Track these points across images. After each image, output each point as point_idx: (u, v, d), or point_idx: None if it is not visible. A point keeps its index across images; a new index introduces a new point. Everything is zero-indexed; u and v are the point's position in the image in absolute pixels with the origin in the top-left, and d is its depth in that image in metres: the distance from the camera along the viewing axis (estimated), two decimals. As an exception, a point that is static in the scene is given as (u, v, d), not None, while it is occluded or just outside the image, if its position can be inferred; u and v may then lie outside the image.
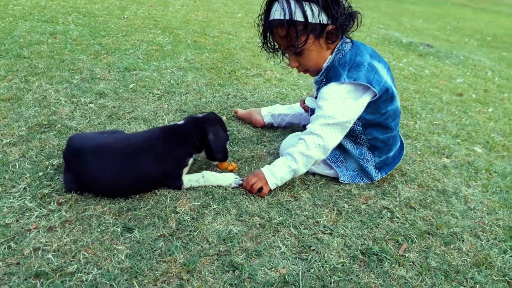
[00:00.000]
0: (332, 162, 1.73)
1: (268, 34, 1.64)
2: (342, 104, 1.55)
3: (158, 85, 2.58)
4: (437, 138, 2.35)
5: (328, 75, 1.62)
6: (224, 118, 2.26)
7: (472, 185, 1.89)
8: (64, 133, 1.86)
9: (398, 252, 1.38)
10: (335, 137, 1.58)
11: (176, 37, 3.83)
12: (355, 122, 1.64)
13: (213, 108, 2.36)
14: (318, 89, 1.70)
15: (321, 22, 1.51)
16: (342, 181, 1.73)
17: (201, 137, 1.56)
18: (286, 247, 1.34)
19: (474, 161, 2.12)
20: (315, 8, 1.48)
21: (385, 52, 4.73)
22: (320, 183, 1.73)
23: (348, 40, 1.65)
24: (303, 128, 2.18)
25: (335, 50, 1.63)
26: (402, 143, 1.89)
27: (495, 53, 5.81)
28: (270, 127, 2.21)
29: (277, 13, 1.52)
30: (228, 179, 1.62)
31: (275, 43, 1.66)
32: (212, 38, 4.01)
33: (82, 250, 1.23)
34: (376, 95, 1.57)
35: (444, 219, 1.59)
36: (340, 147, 1.73)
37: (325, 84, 1.60)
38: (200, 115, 1.64)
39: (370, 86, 1.54)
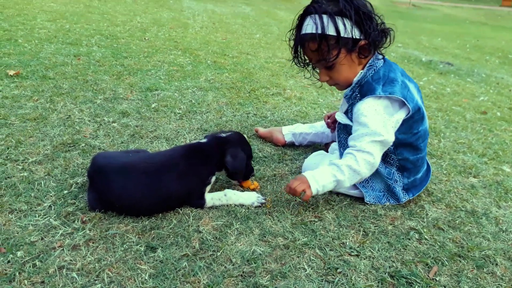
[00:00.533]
0: (359, 184, 1.69)
1: (299, 48, 1.63)
2: (381, 119, 1.53)
3: (179, 104, 2.61)
4: (463, 157, 2.29)
5: (362, 90, 1.59)
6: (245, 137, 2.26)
7: (502, 205, 1.82)
8: (88, 152, 1.88)
9: (428, 275, 1.32)
10: (380, 154, 1.56)
11: (196, 58, 3.89)
12: None
13: (234, 127, 2.37)
14: (350, 104, 1.67)
15: (353, 37, 1.51)
16: (368, 202, 1.69)
17: (221, 157, 1.56)
18: (311, 269, 1.31)
19: (503, 181, 2.05)
20: (348, 23, 1.48)
21: (405, 71, 4.70)
22: (344, 203, 1.69)
23: (380, 57, 1.64)
24: (325, 147, 2.16)
25: (367, 65, 1.61)
26: (428, 166, 1.84)
27: (517, 71, 5.71)
28: (291, 145, 2.19)
29: (309, 27, 1.52)
30: (250, 198, 1.60)
31: (306, 57, 1.66)
32: (232, 59, 4.05)
33: (106, 269, 1.22)
34: (409, 112, 1.54)
35: (475, 241, 1.53)
36: None
37: (360, 99, 1.58)
38: (224, 134, 1.63)
39: (406, 102, 1.52)
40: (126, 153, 1.66)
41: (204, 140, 1.61)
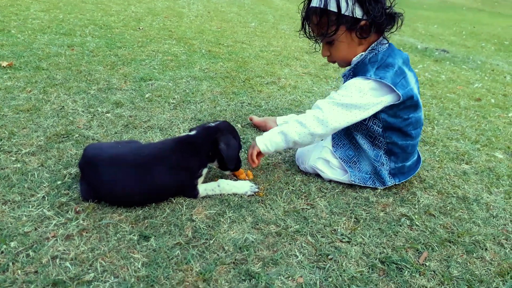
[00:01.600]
0: (345, 162, 1.72)
1: (305, 20, 1.64)
2: (358, 95, 1.53)
3: (173, 94, 2.60)
4: (456, 144, 2.31)
5: (356, 70, 1.61)
6: (238, 126, 2.26)
7: (494, 191, 1.84)
8: (81, 143, 1.88)
9: (418, 261, 1.34)
10: (337, 116, 1.53)
11: (190, 47, 3.87)
12: (375, 123, 1.62)
13: (228, 116, 2.37)
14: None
15: (354, 16, 1.50)
16: (353, 182, 1.70)
17: (213, 147, 1.55)
18: (303, 255, 1.32)
19: (495, 167, 2.07)
20: (350, 1, 1.48)
21: (400, 58, 4.69)
22: (337, 190, 1.71)
23: (385, 42, 1.62)
24: None
25: (369, 48, 1.60)
26: (419, 156, 1.86)
27: (513, 58, 5.70)
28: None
29: (315, 1, 1.54)
30: (243, 187, 1.61)
31: (311, 30, 1.66)
32: (226, 48, 4.03)
33: (99, 258, 1.23)
34: (400, 98, 1.54)
35: (465, 226, 1.55)
36: (356, 148, 1.72)
37: (351, 78, 1.61)
38: (212, 124, 1.62)
39: (394, 88, 1.51)
40: (117, 144, 1.66)
41: (193, 132, 1.59)
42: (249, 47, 4.18)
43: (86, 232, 1.34)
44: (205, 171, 1.57)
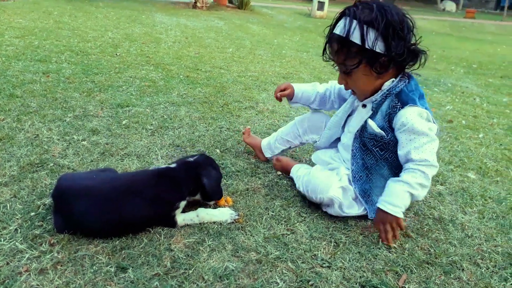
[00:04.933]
0: (361, 196, 1.69)
1: (327, 45, 1.62)
2: (431, 126, 1.54)
3: (151, 120, 2.59)
4: (430, 165, 2.36)
5: (401, 99, 1.56)
6: (217, 151, 2.26)
7: (468, 211, 1.88)
8: (56, 172, 1.84)
9: (398, 284, 1.35)
10: (434, 151, 1.56)
11: (168, 73, 3.89)
12: None
13: (207, 142, 2.37)
14: (376, 111, 1.63)
15: (375, 50, 1.47)
16: (371, 218, 1.69)
17: (195, 182, 1.55)
18: (284, 282, 1.31)
19: (468, 188, 2.12)
20: (373, 34, 1.45)
21: (375, 81, 4.82)
22: (316, 214, 1.72)
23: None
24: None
25: (399, 76, 1.58)
26: None
27: (481, 80, 5.94)
28: (261, 156, 2.21)
29: (339, 28, 1.52)
30: (223, 215, 1.60)
31: (331, 56, 1.65)
32: (204, 73, 4.07)
33: (74, 293, 1.19)
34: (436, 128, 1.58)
35: (442, 247, 1.58)
36: (370, 180, 1.70)
37: (401, 108, 1.55)
38: (191, 158, 1.63)
39: (433, 120, 1.56)
40: (91, 175, 1.63)
41: (173, 165, 1.58)
42: (227, 72, 4.23)
43: (61, 265, 1.29)
44: (183, 203, 1.55)
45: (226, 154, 2.25)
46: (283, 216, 1.68)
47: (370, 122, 1.63)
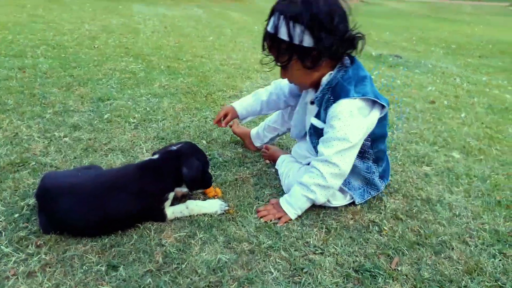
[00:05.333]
0: (344, 185, 1.68)
1: (264, 40, 1.58)
2: (355, 124, 1.49)
3: (133, 113, 2.54)
4: (416, 147, 2.39)
5: (335, 92, 1.53)
6: (203, 142, 2.24)
7: (454, 191, 1.91)
8: (39, 171, 1.79)
9: (390, 266, 1.37)
10: (350, 161, 1.54)
11: (149, 64, 3.81)
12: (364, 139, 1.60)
13: (192, 133, 2.34)
14: (321, 107, 1.61)
15: (304, 45, 1.43)
16: (359, 203, 1.70)
17: (177, 172, 1.51)
18: (278, 271, 1.31)
19: (453, 167, 2.15)
20: (300, 29, 1.41)
21: (357, 65, 4.83)
22: (306, 201, 1.71)
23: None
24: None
25: (337, 66, 1.55)
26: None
27: (460, 60, 6.02)
28: (251, 146, 2.19)
29: (270, 24, 1.49)
30: (213, 206, 1.58)
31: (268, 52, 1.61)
32: (186, 63, 4.00)
33: (65, 294, 1.17)
34: (384, 108, 1.55)
35: (431, 228, 1.60)
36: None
37: (334, 102, 1.52)
38: (174, 147, 1.57)
39: (378, 100, 1.52)
40: (76, 172, 1.59)
41: (155, 157, 1.54)
42: (208, 61, 4.17)
43: (50, 267, 1.26)
44: (171, 195, 1.53)
45: (213, 145, 2.22)
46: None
47: (313, 120, 1.66)
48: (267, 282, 1.26)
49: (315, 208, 1.67)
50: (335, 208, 1.68)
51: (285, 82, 1.90)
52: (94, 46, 4.37)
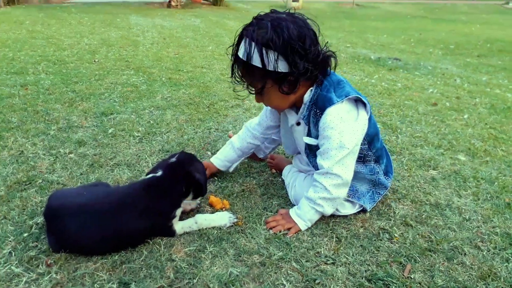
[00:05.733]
0: (351, 196, 1.67)
1: (235, 66, 1.54)
2: (348, 129, 1.48)
3: (137, 127, 2.54)
4: (421, 151, 2.38)
5: (319, 105, 1.53)
6: (208, 153, 2.23)
7: (463, 194, 1.90)
8: (46, 188, 1.79)
9: (403, 274, 1.36)
10: (351, 168, 1.54)
11: (150, 76, 3.82)
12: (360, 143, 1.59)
13: (196, 144, 2.33)
14: (310, 123, 1.60)
15: (278, 71, 1.41)
16: (369, 210, 1.69)
17: (185, 182, 1.50)
18: (290, 283, 1.30)
19: (460, 170, 2.14)
20: (273, 56, 1.38)
21: (356, 70, 4.84)
22: (314, 210, 1.71)
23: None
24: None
25: (315, 84, 1.53)
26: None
27: (460, 60, 6.02)
28: (254, 157, 2.19)
29: (241, 51, 1.45)
30: (222, 219, 1.57)
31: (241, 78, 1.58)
32: (186, 74, 4.02)
33: (78, 314, 1.16)
34: (367, 105, 1.54)
35: (442, 233, 1.59)
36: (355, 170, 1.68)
37: (321, 114, 1.51)
38: (173, 159, 1.55)
39: (361, 97, 1.51)
40: (83, 190, 1.57)
41: (159, 174, 1.50)
42: (209, 71, 4.18)
43: (61, 287, 1.26)
44: (179, 211, 1.51)
45: (218, 155, 2.22)
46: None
47: (306, 139, 1.63)
48: (280, 295, 1.25)
49: (324, 217, 1.66)
50: (345, 216, 1.67)
51: (255, 121, 1.92)
52: (94, 60, 4.38)
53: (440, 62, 5.81)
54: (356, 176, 1.61)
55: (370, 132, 1.60)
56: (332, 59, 1.52)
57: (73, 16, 8.60)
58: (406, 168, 2.15)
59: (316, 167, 1.61)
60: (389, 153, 1.84)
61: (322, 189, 1.54)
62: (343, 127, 1.48)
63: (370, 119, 1.60)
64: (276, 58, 1.39)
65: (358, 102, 1.54)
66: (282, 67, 1.41)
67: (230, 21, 9.57)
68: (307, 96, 1.54)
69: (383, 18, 13.43)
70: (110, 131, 2.45)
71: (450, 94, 3.87)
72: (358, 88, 3.83)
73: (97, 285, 1.27)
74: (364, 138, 1.58)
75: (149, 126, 2.56)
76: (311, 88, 1.54)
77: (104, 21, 8.11)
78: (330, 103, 1.49)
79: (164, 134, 2.46)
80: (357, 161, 1.59)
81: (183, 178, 1.49)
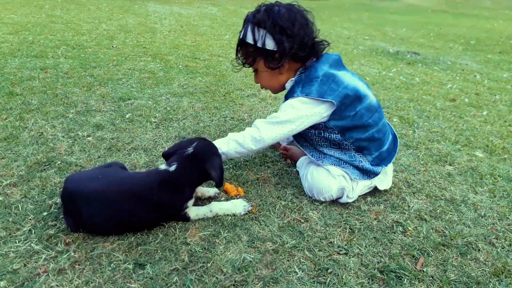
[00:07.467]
0: (338, 165, 1.71)
1: (238, 49, 1.76)
2: (293, 111, 1.62)
3: (154, 112, 2.57)
4: (438, 146, 2.36)
5: (287, 95, 1.73)
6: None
7: (479, 191, 1.88)
8: (64, 170, 1.82)
9: (416, 267, 1.36)
10: (273, 133, 1.64)
11: (167, 63, 3.84)
12: (330, 132, 1.67)
13: (212, 132, 2.35)
14: None
15: (266, 47, 1.61)
16: (354, 179, 1.69)
17: (199, 175, 1.50)
18: (302, 271, 1.32)
19: (477, 167, 2.12)
20: (261, 34, 1.60)
21: (374, 63, 4.79)
22: (328, 201, 1.71)
23: (313, 59, 1.70)
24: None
25: (298, 73, 1.71)
26: (394, 135, 1.87)
27: (480, 56, 5.91)
28: (272, 147, 2.20)
29: (241, 32, 1.69)
30: (237, 207, 1.59)
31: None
32: (203, 62, 4.02)
33: (95, 291, 1.19)
34: (334, 104, 1.60)
35: (456, 228, 1.58)
36: (334, 155, 1.73)
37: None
38: (190, 148, 1.51)
39: (321, 99, 1.59)
40: (98, 171, 1.57)
41: (173, 168, 1.47)
42: (225, 60, 4.18)
43: (79, 265, 1.29)
44: (191, 202, 1.52)
45: (233, 143, 2.23)
46: (295, 204, 1.68)
47: None
48: (292, 282, 1.27)
49: (338, 208, 1.67)
50: (358, 208, 1.67)
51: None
52: (112, 46, 4.42)
53: (459, 57, 5.71)
54: (340, 158, 1.73)
55: (340, 124, 1.66)
56: (322, 46, 1.69)
57: (92, 2, 8.66)
58: (422, 162, 2.14)
59: (306, 148, 1.78)
60: (395, 149, 1.82)
61: (240, 135, 1.67)
62: (289, 109, 1.64)
63: (342, 111, 1.63)
64: (264, 35, 1.60)
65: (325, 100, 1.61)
66: (270, 44, 1.61)
67: (247, 10, 9.51)
68: (287, 85, 1.74)
69: (403, 11, 13.21)
70: (127, 116, 2.48)
71: (469, 90, 3.81)
72: (375, 82, 3.80)
73: (114, 265, 1.30)
74: (332, 129, 1.66)
75: (165, 113, 2.58)
76: (292, 78, 1.72)
77: (122, 7, 8.15)
78: (291, 95, 1.67)
79: (181, 121, 2.47)
80: (334, 148, 1.73)
81: (198, 176, 1.50)
